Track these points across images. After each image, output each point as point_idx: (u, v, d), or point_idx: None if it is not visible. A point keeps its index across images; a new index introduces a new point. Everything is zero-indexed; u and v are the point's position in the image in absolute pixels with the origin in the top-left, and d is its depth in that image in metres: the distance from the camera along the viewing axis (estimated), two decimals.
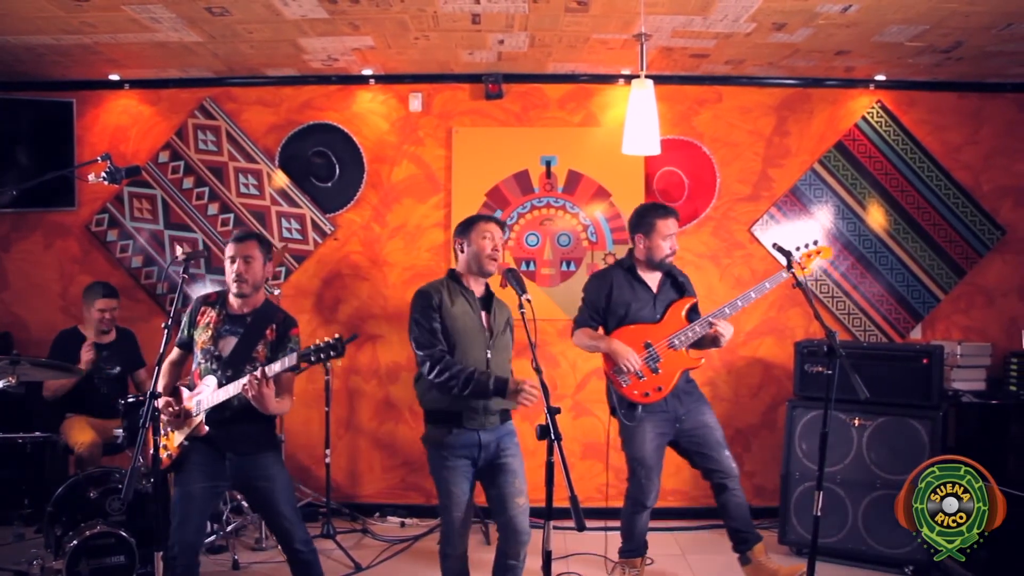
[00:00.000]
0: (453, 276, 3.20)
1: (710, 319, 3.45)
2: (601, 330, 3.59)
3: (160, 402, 2.94)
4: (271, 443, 3.11)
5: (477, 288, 3.18)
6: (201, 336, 3.06)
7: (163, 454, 3.04)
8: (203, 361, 3.03)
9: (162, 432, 3.06)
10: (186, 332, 3.13)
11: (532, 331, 2.69)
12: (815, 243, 3.59)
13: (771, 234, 4.79)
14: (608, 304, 3.54)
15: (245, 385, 2.80)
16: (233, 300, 3.09)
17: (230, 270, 3.06)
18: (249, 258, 3.04)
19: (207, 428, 2.94)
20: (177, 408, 2.98)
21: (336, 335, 2.75)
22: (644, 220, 3.54)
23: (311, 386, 4.81)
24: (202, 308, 3.11)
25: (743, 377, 4.90)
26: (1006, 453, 4.14)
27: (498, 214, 4.83)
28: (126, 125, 4.94)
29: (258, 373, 2.79)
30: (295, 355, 2.78)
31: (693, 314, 3.58)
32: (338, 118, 4.90)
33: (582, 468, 4.84)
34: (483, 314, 3.14)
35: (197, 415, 2.95)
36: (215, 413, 2.95)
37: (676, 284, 3.64)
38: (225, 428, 2.96)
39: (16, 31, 3.96)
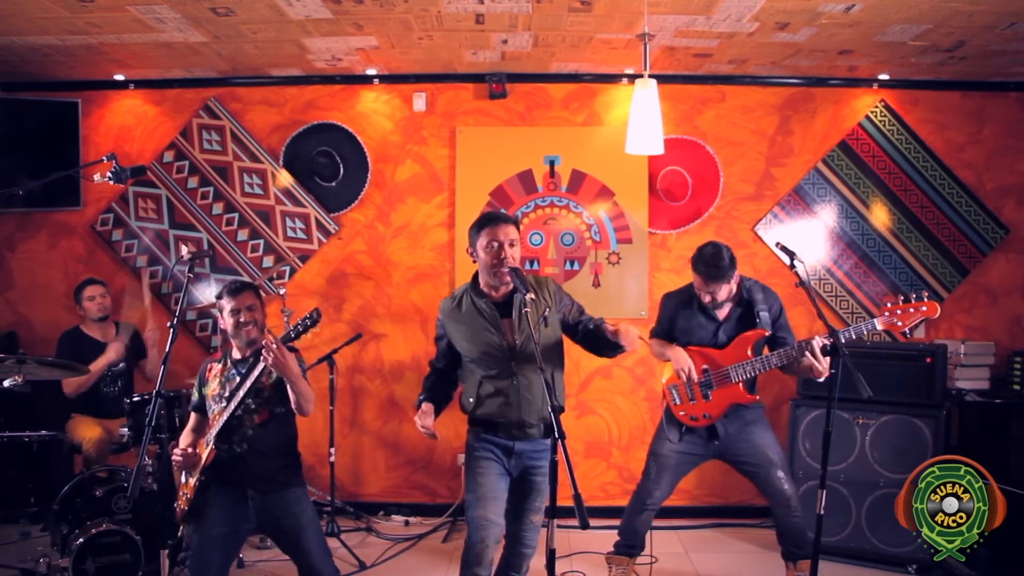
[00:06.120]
0: (473, 281, 2.94)
1: (773, 357, 3.34)
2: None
3: (176, 451, 2.92)
4: (296, 479, 3.03)
5: (499, 292, 2.90)
6: (211, 387, 3.02)
7: (181, 501, 2.99)
8: (214, 406, 2.98)
9: (180, 480, 3.03)
10: (197, 395, 3.09)
11: (534, 331, 2.65)
12: (923, 296, 3.21)
13: (774, 233, 4.80)
14: (671, 327, 3.60)
15: (264, 355, 2.74)
16: (237, 350, 3.06)
17: (232, 322, 2.99)
18: (252, 307, 3.01)
19: (215, 450, 2.88)
20: (192, 452, 2.92)
21: (315, 308, 2.81)
22: (694, 271, 3.45)
23: (315, 385, 4.77)
24: (208, 366, 3.09)
25: None
26: (1009, 452, 4.13)
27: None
28: (131, 125, 4.96)
29: (270, 337, 2.76)
30: (286, 333, 2.84)
31: (773, 344, 3.47)
32: (342, 118, 4.91)
33: (586, 467, 4.85)
34: (505, 323, 2.85)
35: (208, 445, 2.90)
36: (233, 447, 2.89)
37: (750, 314, 3.47)
38: (244, 463, 2.90)
39: (21, 32, 3.98)
